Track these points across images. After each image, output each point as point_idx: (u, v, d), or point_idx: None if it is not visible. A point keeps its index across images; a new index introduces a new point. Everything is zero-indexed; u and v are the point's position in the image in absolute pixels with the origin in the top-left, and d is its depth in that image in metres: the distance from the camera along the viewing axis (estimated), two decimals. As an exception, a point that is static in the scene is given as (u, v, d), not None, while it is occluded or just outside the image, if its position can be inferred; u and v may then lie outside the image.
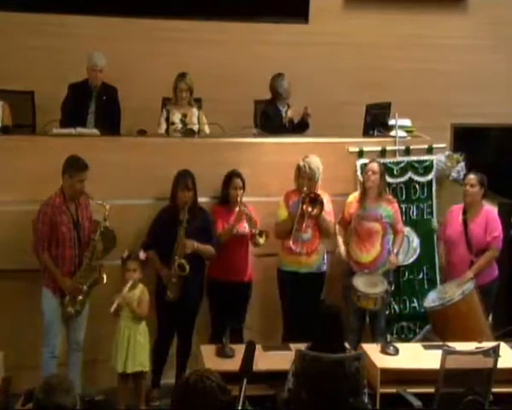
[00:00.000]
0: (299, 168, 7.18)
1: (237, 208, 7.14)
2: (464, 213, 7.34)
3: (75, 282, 6.61)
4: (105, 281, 6.69)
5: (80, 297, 6.64)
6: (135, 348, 6.63)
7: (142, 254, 6.71)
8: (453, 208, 7.50)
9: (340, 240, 7.36)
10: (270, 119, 8.30)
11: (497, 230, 7.30)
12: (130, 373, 6.65)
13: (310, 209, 7.09)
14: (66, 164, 6.57)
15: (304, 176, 7.16)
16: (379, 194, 7.29)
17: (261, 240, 7.03)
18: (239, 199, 7.11)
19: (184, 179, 6.90)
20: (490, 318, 7.32)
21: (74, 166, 6.54)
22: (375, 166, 7.27)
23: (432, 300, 7.22)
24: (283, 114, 8.35)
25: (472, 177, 7.32)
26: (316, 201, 7.10)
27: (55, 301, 6.62)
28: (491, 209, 7.51)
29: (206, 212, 7.09)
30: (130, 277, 6.64)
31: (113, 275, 6.76)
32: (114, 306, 6.51)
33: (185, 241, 6.85)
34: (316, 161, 7.17)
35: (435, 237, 7.89)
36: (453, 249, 7.34)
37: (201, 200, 7.18)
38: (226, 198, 7.16)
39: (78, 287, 6.61)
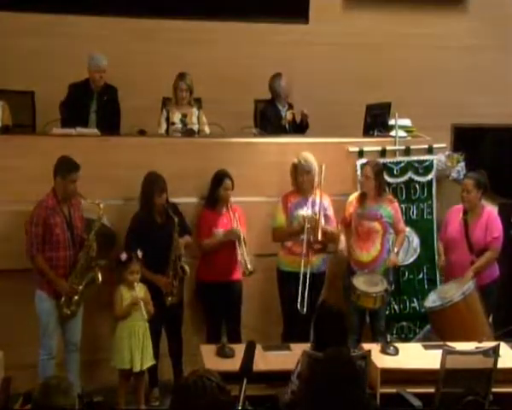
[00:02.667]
0: (295, 166, 7.18)
1: (224, 209, 7.12)
2: (465, 213, 7.34)
3: (71, 283, 6.60)
4: (100, 280, 6.68)
5: (76, 297, 6.64)
6: (147, 345, 6.69)
7: (139, 253, 6.68)
8: (453, 209, 7.48)
9: (342, 239, 7.35)
10: (268, 119, 8.30)
11: (498, 231, 7.28)
12: (133, 372, 6.67)
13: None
14: (57, 165, 6.55)
15: (302, 172, 7.15)
16: (378, 194, 7.29)
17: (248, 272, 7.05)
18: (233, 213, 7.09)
19: (159, 183, 6.86)
20: (490, 318, 7.30)
21: (66, 167, 6.53)
22: (367, 170, 7.26)
23: (432, 300, 7.21)
24: (283, 114, 8.35)
25: (467, 182, 7.27)
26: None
27: (49, 303, 6.61)
28: (492, 210, 7.49)
29: (176, 206, 7.03)
30: (134, 279, 6.65)
31: (110, 274, 6.75)
32: (145, 312, 6.57)
33: (179, 242, 6.87)
34: (310, 156, 7.18)
35: (435, 237, 7.89)
36: (454, 249, 7.33)
37: (200, 200, 7.17)
38: (215, 199, 7.12)
39: (73, 288, 6.61)
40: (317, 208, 7.15)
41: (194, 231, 7.17)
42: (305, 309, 6.91)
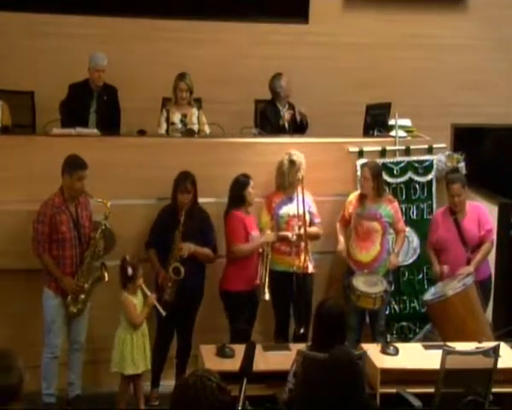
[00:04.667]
0: (292, 162, 7.17)
1: (250, 211, 7.11)
2: (453, 213, 7.31)
3: (77, 281, 6.62)
4: (106, 279, 6.69)
5: (83, 296, 6.65)
6: (147, 346, 6.72)
7: (129, 271, 6.64)
8: (439, 212, 7.49)
9: (340, 239, 7.36)
10: (267, 119, 8.29)
11: (489, 223, 7.34)
12: (132, 373, 6.67)
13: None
14: (65, 163, 6.57)
15: (299, 168, 7.14)
16: (377, 195, 7.29)
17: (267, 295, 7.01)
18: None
19: (184, 182, 6.87)
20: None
21: (73, 164, 6.55)
22: (366, 172, 7.26)
23: (431, 294, 7.21)
24: (283, 114, 8.35)
25: (456, 187, 7.20)
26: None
27: (56, 301, 6.62)
28: (477, 204, 7.50)
29: (205, 213, 7.04)
30: (140, 283, 6.65)
31: (114, 275, 6.74)
32: (162, 309, 6.66)
33: (181, 244, 6.84)
34: (298, 154, 7.22)
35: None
36: (449, 250, 7.29)
37: (200, 200, 7.17)
38: (243, 199, 7.04)
39: (80, 286, 6.62)
40: (304, 206, 7.12)
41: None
42: (302, 330, 6.93)
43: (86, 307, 6.72)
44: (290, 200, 7.23)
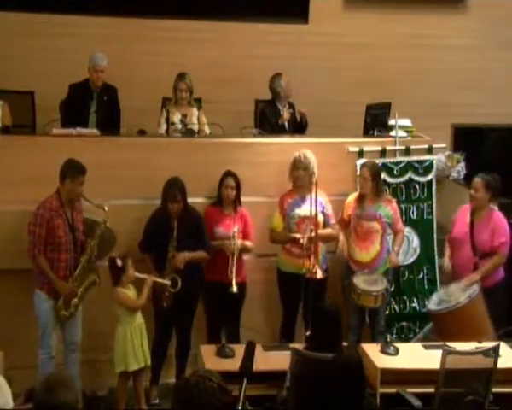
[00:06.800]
0: (294, 159, 7.17)
1: (232, 212, 7.09)
2: (473, 213, 7.25)
3: (72, 285, 6.61)
4: (98, 283, 6.71)
5: (75, 300, 6.64)
6: (146, 343, 6.73)
7: (119, 262, 6.66)
8: (462, 208, 7.39)
9: (341, 237, 7.35)
10: (267, 119, 8.29)
11: (505, 236, 7.17)
12: (131, 371, 6.67)
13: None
14: (66, 168, 6.55)
15: (299, 166, 7.15)
16: (376, 195, 7.29)
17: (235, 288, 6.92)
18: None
19: (172, 192, 6.81)
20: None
21: (75, 169, 6.53)
22: (365, 172, 7.25)
23: (436, 302, 7.17)
24: (282, 114, 8.35)
25: (477, 180, 7.17)
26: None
27: (49, 304, 6.61)
28: (500, 215, 7.33)
29: (197, 216, 7.01)
30: (132, 274, 6.65)
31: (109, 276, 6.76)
32: (165, 281, 6.71)
33: (176, 256, 6.82)
34: (310, 154, 7.19)
35: (434, 237, 7.89)
36: (458, 250, 7.27)
37: (199, 200, 7.17)
38: (220, 198, 7.12)
39: (74, 290, 6.62)
40: (314, 208, 7.10)
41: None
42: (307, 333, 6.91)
43: (78, 310, 6.71)
44: (302, 200, 7.18)
